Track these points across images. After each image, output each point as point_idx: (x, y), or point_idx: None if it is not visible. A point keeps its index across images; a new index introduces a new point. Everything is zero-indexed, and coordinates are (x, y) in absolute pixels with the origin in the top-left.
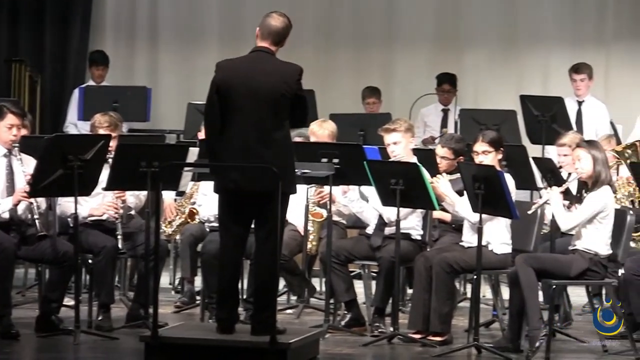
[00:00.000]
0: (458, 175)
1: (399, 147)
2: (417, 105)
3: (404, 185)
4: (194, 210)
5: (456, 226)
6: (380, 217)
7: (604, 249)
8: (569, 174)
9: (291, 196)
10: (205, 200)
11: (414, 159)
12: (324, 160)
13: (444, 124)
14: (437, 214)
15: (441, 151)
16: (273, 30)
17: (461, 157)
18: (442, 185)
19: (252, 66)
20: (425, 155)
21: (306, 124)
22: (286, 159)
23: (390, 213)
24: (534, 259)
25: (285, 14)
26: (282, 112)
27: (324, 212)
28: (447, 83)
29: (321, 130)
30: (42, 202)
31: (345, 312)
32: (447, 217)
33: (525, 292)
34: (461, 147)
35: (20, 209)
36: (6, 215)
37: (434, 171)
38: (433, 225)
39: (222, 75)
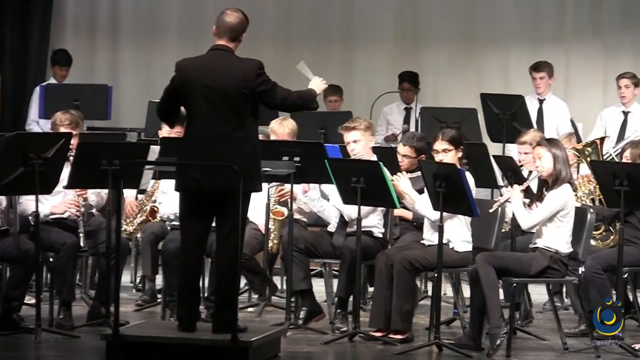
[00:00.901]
0: (419, 173)
1: (359, 145)
2: (378, 103)
3: (364, 183)
4: (155, 208)
5: (417, 224)
6: (342, 215)
7: (565, 247)
8: (530, 172)
9: (252, 194)
10: (165, 198)
11: (373, 157)
12: (285, 158)
13: (407, 122)
14: (398, 211)
15: (403, 150)
16: (228, 27)
17: (423, 156)
18: (402, 183)
19: (211, 65)
20: (386, 153)
21: (310, 108)
22: (248, 156)
23: (350, 211)
24: (494, 258)
25: (240, 9)
26: (243, 110)
27: (285, 211)
28: (407, 82)
29: (281, 129)
30: (2, 200)
31: (302, 307)
32: (408, 215)
33: (486, 290)
34: (422, 145)
35: None
36: None
37: (395, 169)
38: (394, 223)
39: (181, 75)
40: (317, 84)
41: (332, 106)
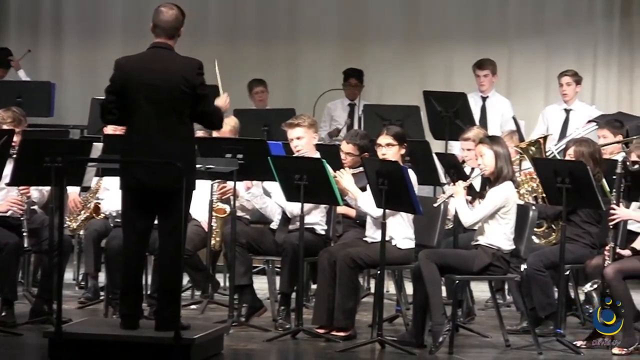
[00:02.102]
0: (361, 169)
1: (302, 142)
2: (322, 100)
3: (307, 180)
4: (99, 205)
5: (360, 222)
6: (284, 212)
7: (507, 244)
8: (472, 169)
9: (195, 191)
10: (108, 195)
11: (317, 155)
12: (228, 155)
13: (351, 118)
14: (341, 209)
15: (346, 147)
16: (164, 24)
17: (366, 154)
18: (345, 180)
19: (151, 63)
20: (329, 150)
21: (216, 127)
22: (190, 155)
23: (292, 208)
24: (437, 255)
25: (176, 5)
26: (183, 108)
27: (228, 208)
28: (354, 77)
29: (224, 126)
30: None
31: (243, 303)
32: (351, 212)
33: (429, 287)
34: (366, 143)
35: None
36: None
37: (338, 166)
38: (337, 220)
39: (120, 73)
40: (223, 102)
41: (260, 97)
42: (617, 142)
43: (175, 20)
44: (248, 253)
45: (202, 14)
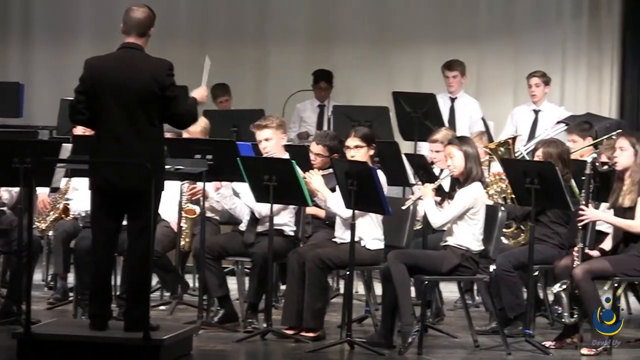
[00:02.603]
0: (331, 170)
1: (271, 143)
2: (291, 101)
3: (277, 181)
4: (68, 206)
5: (330, 222)
6: (253, 213)
7: (476, 245)
8: (441, 170)
9: (164, 192)
10: (76, 195)
11: (285, 155)
12: (197, 156)
13: (320, 119)
14: (311, 209)
15: (316, 148)
16: (135, 23)
17: (335, 155)
18: (314, 180)
19: (120, 63)
20: (298, 151)
21: (184, 126)
22: (159, 155)
23: (261, 208)
24: (406, 255)
25: (147, 5)
26: (153, 109)
27: (197, 209)
28: (323, 80)
29: (194, 127)
30: None
31: (219, 308)
32: (321, 213)
33: (398, 288)
34: (335, 144)
35: None
36: None
37: (307, 167)
38: (307, 221)
39: (90, 73)
40: (201, 94)
41: (224, 106)
42: (588, 146)
43: (146, 20)
44: (219, 261)
45: (171, 15)
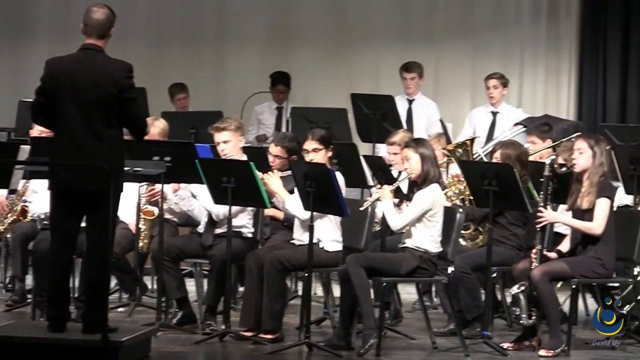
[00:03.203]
0: (289, 172)
1: (229, 145)
2: (249, 103)
3: (235, 183)
4: (26, 208)
5: (288, 224)
6: (210, 215)
7: (434, 247)
8: (400, 172)
9: (122, 194)
10: (36, 197)
11: (243, 158)
12: (156, 158)
13: (279, 122)
14: (269, 211)
15: (274, 150)
16: (96, 24)
17: (294, 156)
18: (272, 182)
19: (80, 65)
20: (256, 153)
21: (139, 129)
22: (118, 157)
23: (218, 210)
24: (364, 258)
25: (107, 5)
26: (111, 111)
27: (156, 210)
28: (281, 83)
29: (152, 128)
30: None
31: (177, 309)
32: (279, 214)
33: (358, 292)
34: (294, 146)
35: None
36: None
37: (265, 169)
38: (265, 222)
39: (50, 74)
40: None
41: (181, 104)
42: (547, 148)
43: (107, 21)
44: (178, 263)
45: (128, 16)
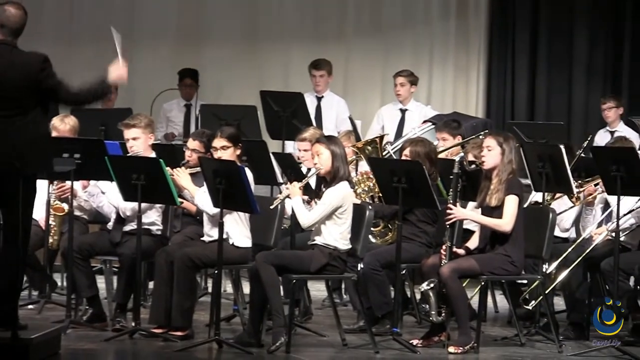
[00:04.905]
0: (199, 169)
1: (138, 142)
2: (159, 100)
3: (145, 180)
4: None
5: (200, 218)
6: (118, 212)
7: (343, 244)
8: (309, 169)
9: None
10: None
11: (152, 155)
12: (65, 155)
13: (187, 119)
14: (184, 204)
15: (192, 144)
16: (12, 23)
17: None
18: (182, 177)
19: None
20: (165, 150)
21: (81, 104)
22: (27, 142)
23: (125, 207)
24: (274, 256)
25: (18, 2)
26: (28, 104)
27: (66, 206)
28: (188, 77)
29: (62, 125)
30: None
31: (87, 307)
32: (192, 207)
33: (268, 290)
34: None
35: None
36: None
37: (175, 166)
38: (175, 214)
39: None
40: (119, 73)
41: (105, 104)
42: (456, 145)
43: (21, 19)
44: (88, 261)
45: (38, 15)
